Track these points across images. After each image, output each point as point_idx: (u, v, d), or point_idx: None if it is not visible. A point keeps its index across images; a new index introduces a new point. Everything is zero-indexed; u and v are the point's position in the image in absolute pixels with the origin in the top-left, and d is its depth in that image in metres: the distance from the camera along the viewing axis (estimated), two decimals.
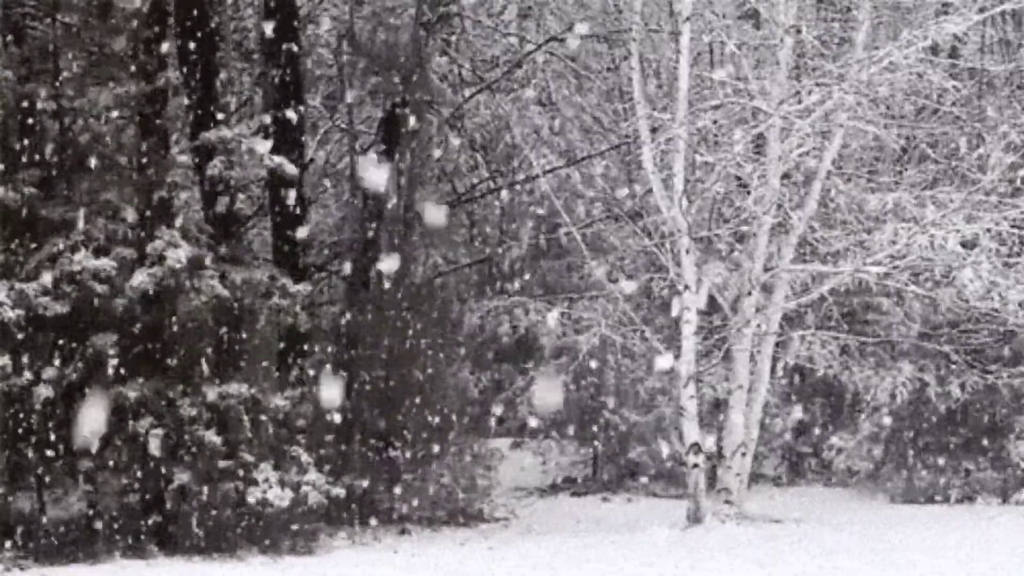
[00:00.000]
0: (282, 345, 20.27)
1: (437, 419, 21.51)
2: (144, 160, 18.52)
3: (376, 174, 21.98)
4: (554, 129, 25.78)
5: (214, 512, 18.02)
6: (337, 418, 20.25)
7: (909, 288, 21.06)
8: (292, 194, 21.06)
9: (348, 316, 22.00)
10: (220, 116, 20.08)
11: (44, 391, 17.35)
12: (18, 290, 17.41)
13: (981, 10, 20.55)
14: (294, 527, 18.34)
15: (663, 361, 20.99)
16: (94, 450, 17.75)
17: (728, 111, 21.04)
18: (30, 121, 18.24)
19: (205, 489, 17.94)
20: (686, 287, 20.57)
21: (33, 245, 17.98)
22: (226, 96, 22.09)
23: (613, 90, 26.14)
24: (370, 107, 25.07)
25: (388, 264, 21.48)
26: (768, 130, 20.64)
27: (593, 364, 24.20)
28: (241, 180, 18.96)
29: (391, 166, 22.57)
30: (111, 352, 17.69)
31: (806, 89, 20.57)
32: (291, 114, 21.23)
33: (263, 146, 18.93)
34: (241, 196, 19.15)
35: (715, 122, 21.20)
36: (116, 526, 17.95)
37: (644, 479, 25.51)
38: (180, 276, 17.81)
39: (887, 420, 24.35)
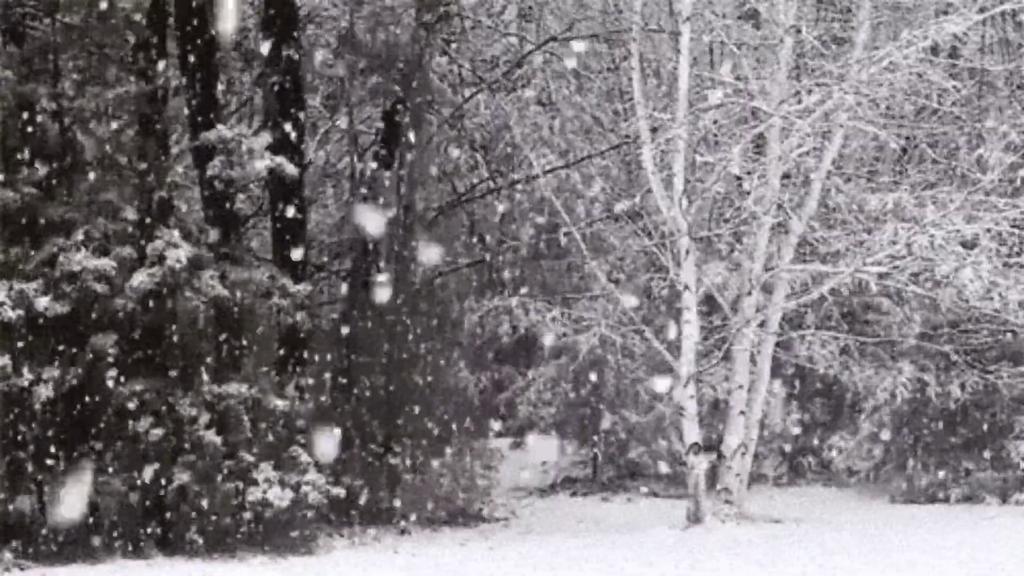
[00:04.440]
0: (282, 346, 20.28)
1: (437, 419, 21.51)
2: (144, 160, 18.52)
3: (371, 219, 21.86)
4: (554, 129, 25.77)
5: (214, 512, 18.02)
6: (337, 418, 20.27)
7: (909, 288, 21.04)
8: (292, 194, 21.06)
9: (348, 316, 21.98)
10: (220, 116, 20.06)
11: (44, 391, 17.35)
12: (18, 290, 17.41)
13: (981, 10, 20.53)
14: (294, 527, 18.34)
15: (661, 384, 21.13)
16: (94, 449, 17.80)
17: (728, 111, 21.04)
18: (30, 121, 18.24)
19: (205, 489, 17.94)
20: (686, 287, 20.57)
21: (33, 245, 17.99)
22: (226, 96, 22.08)
23: (613, 90, 26.14)
24: (370, 107, 25.06)
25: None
26: (768, 130, 20.64)
27: (593, 363, 24.25)
28: (241, 180, 18.95)
29: (390, 173, 22.59)
30: (111, 352, 17.70)
31: (806, 89, 20.57)
32: (291, 114, 21.23)
33: (263, 145, 18.92)
34: (241, 196, 19.13)
35: (715, 122, 21.19)
36: (116, 526, 17.95)
37: (644, 479, 25.51)
38: (180, 276, 17.81)
39: (887, 420, 24.34)
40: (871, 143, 23.17)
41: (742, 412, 20.88)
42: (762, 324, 21.08)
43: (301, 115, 21.58)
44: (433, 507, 21.32)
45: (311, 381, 20.45)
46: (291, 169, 19.41)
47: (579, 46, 24.42)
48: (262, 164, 19.00)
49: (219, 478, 17.97)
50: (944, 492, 23.60)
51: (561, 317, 23.96)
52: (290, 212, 21.16)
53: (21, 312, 17.35)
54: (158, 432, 17.69)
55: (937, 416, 23.81)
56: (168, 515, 18.01)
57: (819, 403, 26.76)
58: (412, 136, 22.75)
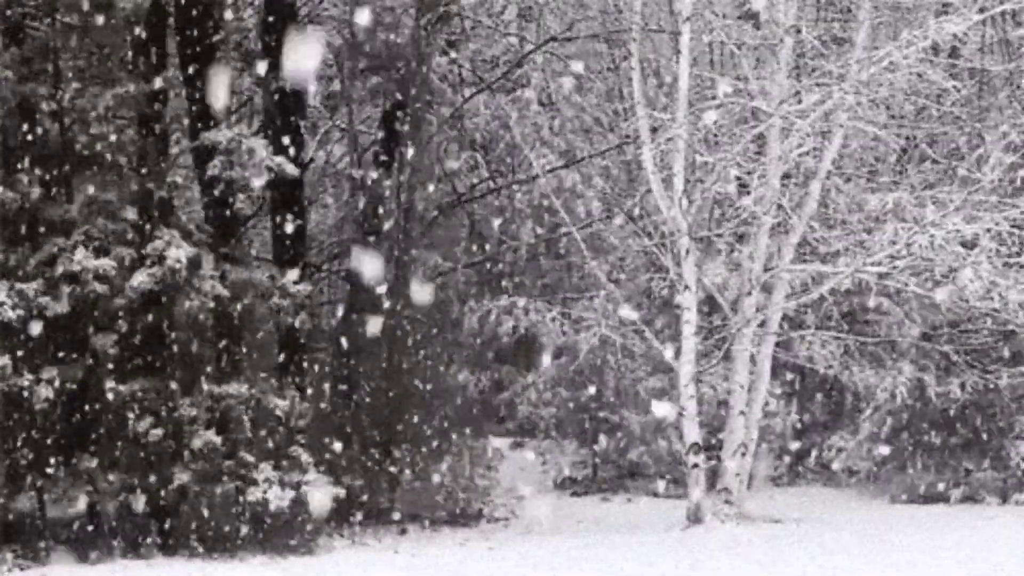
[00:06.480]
0: (282, 347, 20.27)
1: (437, 419, 21.51)
2: (144, 160, 18.51)
3: (369, 263, 21.68)
4: (554, 129, 25.77)
5: (214, 513, 18.02)
6: (337, 418, 20.27)
7: (909, 288, 21.04)
8: (292, 194, 21.04)
9: (348, 317, 21.97)
10: (220, 116, 20.06)
11: (44, 392, 17.35)
12: (18, 290, 17.41)
13: (981, 10, 20.52)
14: (294, 527, 18.34)
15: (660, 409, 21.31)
16: (94, 450, 17.81)
17: (728, 111, 21.03)
18: (30, 121, 18.23)
19: (205, 489, 17.94)
20: (686, 287, 20.57)
21: (33, 245, 17.99)
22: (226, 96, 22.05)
23: (613, 90, 26.13)
24: (370, 107, 25.06)
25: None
26: (768, 130, 20.64)
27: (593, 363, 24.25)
28: (241, 180, 18.96)
29: (390, 174, 22.57)
30: (111, 352, 17.69)
31: (806, 89, 20.57)
32: (291, 115, 21.22)
33: (263, 145, 18.92)
34: (241, 196, 19.12)
35: (715, 122, 21.18)
36: (116, 526, 17.95)
37: (644, 479, 25.52)
38: (180, 276, 17.80)
39: (887, 420, 24.34)
40: (871, 143, 23.16)
41: (742, 412, 20.88)
42: (762, 324, 21.08)
43: (301, 115, 21.56)
44: (433, 507, 21.33)
45: (310, 381, 20.46)
46: (291, 169, 19.41)
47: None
48: (262, 164, 18.98)
49: (219, 479, 17.97)
50: (944, 492, 23.60)
51: (561, 317, 23.96)
52: (290, 213, 21.17)
53: (21, 312, 17.35)
54: (158, 432, 17.69)
55: (937, 416, 23.82)
56: (168, 515, 18.01)
57: (819, 403, 26.76)
58: (412, 136, 22.75)
